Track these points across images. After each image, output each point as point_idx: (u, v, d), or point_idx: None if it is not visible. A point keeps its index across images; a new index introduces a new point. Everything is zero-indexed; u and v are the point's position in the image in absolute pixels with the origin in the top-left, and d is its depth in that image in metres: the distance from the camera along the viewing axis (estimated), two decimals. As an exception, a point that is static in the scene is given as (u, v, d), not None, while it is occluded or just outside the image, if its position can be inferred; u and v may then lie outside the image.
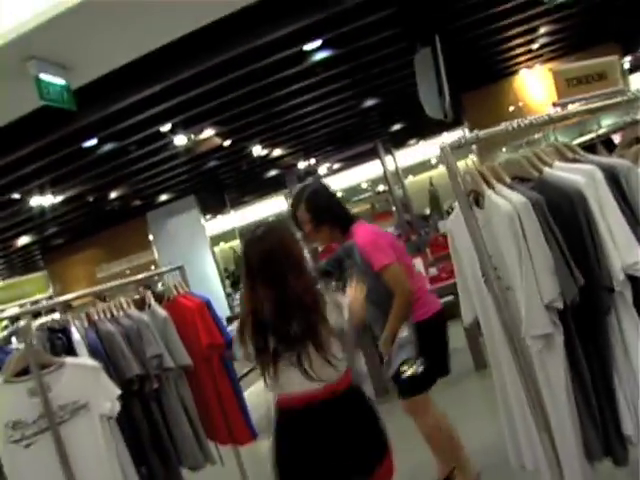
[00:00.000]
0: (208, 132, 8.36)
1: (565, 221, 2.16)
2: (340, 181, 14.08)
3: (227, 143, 9.09)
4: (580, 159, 2.41)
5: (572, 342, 2.15)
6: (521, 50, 9.19)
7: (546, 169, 2.36)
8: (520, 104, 10.81)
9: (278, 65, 7.27)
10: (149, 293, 3.94)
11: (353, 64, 7.94)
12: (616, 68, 2.82)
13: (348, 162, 12.40)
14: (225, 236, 13.77)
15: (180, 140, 8.04)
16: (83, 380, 3.03)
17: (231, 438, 3.86)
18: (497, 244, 2.25)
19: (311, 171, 12.38)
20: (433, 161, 16.68)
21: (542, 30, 8.32)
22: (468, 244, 2.46)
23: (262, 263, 2.40)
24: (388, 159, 12.28)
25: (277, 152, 10.86)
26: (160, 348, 3.58)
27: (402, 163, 13.56)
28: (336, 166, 13.09)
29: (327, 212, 3.46)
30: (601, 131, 2.90)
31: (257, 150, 9.85)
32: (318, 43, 6.89)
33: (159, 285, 10.34)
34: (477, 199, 2.43)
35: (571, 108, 2.86)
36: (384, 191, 11.77)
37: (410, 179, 14.93)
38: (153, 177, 10.04)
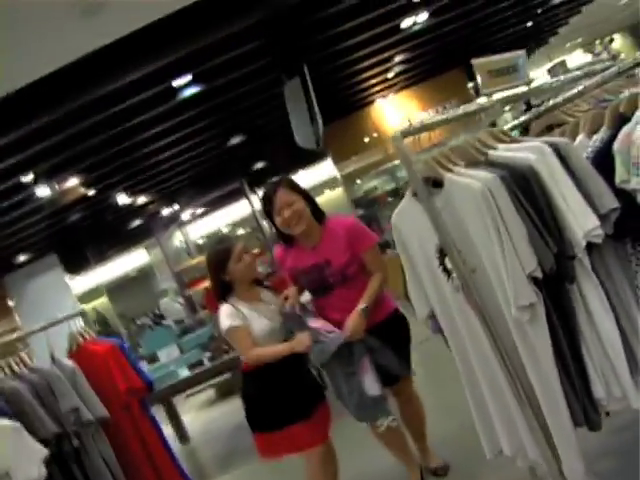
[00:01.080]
0: (72, 181, 7.85)
1: (522, 197, 2.18)
2: (202, 227, 13.86)
3: (91, 192, 8.59)
4: (519, 140, 2.46)
5: (549, 312, 2.15)
6: (377, 80, 9.54)
7: (490, 152, 2.38)
8: (374, 135, 11.17)
9: (143, 105, 7.00)
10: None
11: (218, 100, 7.83)
12: (526, 61, 2.95)
13: (213, 205, 12.21)
14: (90, 295, 13.00)
15: (42, 191, 7.47)
16: (1, 444, 2.63)
17: (163, 492, 3.53)
18: (459, 226, 2.23)
19: (175, 217, 12.04)
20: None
21: (397, 59, 8.68)
22: (420, 234, 2.43)
23: None
24: (253, 198, 12.23)
25: (142, 199, 10.43)
26: (76, 401, 3.22)
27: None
28: (199, 211, 12.85)
29: (310, 197, 3.35)
30: (517, 122, 2.99)
31: (122, 199, 9.41)
32: (185, 80, 6.72)
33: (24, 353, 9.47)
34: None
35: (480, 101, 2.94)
36: (253, 230, 11.68)
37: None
38: (12, 235, 9.26)
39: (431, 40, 8.33)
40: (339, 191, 11.30)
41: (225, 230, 17.89)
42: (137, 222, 11.67)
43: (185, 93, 7.01)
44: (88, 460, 3.23)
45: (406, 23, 7.39)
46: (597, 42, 14.83)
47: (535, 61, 13.26)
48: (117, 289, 14.35)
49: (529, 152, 2.26)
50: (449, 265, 2.35)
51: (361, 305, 3.18)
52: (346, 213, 12.06)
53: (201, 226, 13.38)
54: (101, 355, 3.48)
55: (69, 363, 3.32)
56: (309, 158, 11.68)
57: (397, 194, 11.21)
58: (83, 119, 6.66)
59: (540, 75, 13.27)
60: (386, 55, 8.42)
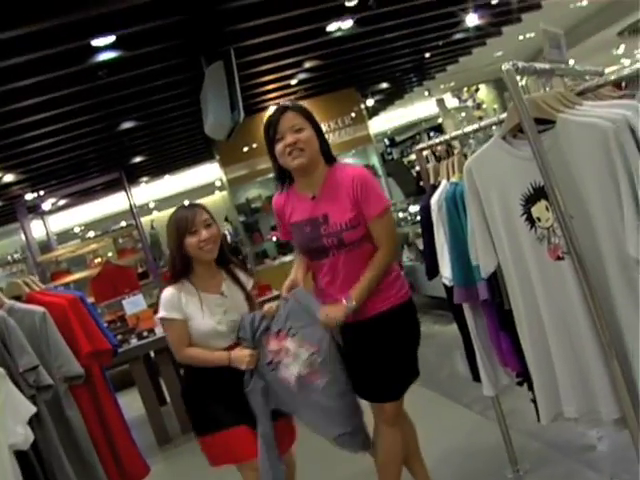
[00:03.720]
0: None
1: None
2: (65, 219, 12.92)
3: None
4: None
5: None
6: (279, 84, 9.35)
7: (579, 107, 2.32)
8: (254, 145, 10.83)
9: (29, 67, 6.11)
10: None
11: (121, 75, 7.18)
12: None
13: (87, 195, 11.32)
14: None
15: None
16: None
17: (121, 475, 3.01)
18: (564, 169, 2.13)
19: (39, 204, 11.02)
20: (152, 205, 16.22)
21: (306, 65, 8.55)
22: (502, 181, 2.34)
23: None
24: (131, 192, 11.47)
25: (8, 178, 9.30)
26: (35, 358, 2.68)
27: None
28: (64, 202, 11.85)
29: (322, 133, 2.82)
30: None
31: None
32: (101, 42, 6.05)
33: None
34: (514, 134, 2.32)
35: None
36: (129, 225, 10.94)
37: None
38: None
39: (349, 50, 8.34)
40: (223, 195, 10.91)
41: (77, 230, 16.64)
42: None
43: (91, 61, 6.29)
44: (41, 434, 2.68)
45: (332, 27, 7.34)
46: (465, 89, 15.82)
47: (414, 96, 13.87)
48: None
49: (624, 109, 2.21)
50: (535, 214, 2.25)
51: (350, 301, 2.63)
52: (231, 218, 11.51)
53: (64, 217, 12.52)
54: (61, 307, 2.93)
55: (36, 308, 2.75)
56: (196, 157, 11.20)
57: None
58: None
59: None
60: (298, 58, 8.29)
